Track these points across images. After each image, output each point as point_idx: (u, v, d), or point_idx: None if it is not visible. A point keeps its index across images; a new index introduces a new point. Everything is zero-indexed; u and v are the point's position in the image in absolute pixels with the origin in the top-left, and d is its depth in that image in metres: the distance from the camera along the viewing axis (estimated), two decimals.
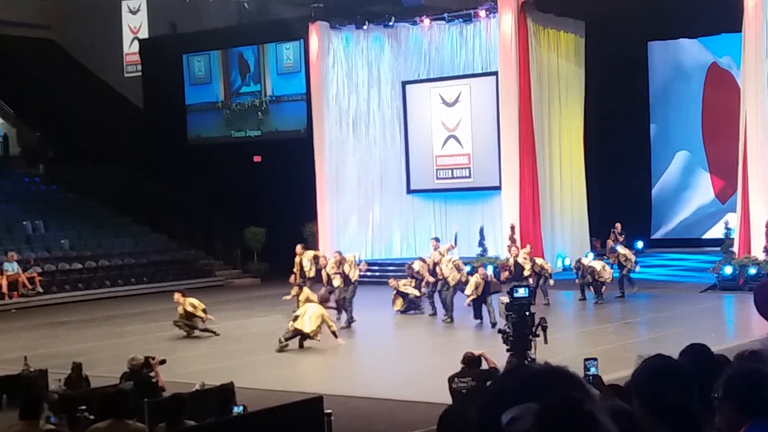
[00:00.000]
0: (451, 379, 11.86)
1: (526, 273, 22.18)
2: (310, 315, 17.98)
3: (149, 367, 12.73)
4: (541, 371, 1.78)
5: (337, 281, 21.26)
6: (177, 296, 20.47)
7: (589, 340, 17.90)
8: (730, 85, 28.70)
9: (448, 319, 20.90)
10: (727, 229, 26.03)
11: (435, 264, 21.99)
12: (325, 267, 22.12)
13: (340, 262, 21.57)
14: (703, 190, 30.38)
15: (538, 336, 12.20)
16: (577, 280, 22.98)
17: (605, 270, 22.42)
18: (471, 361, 11.99)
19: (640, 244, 30.15)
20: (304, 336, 18.01)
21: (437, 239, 24.22)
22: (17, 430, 7.23)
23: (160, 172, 35.95)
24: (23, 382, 12.79)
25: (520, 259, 22.63)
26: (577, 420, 1.61)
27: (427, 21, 30.65)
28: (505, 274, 23.71)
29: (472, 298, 20.18)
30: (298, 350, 18.86)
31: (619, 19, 28.33)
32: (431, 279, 21.89)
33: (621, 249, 23.56)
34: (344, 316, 20.99)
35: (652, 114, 31.45)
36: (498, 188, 29.10)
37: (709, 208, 29.98)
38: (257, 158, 34.54)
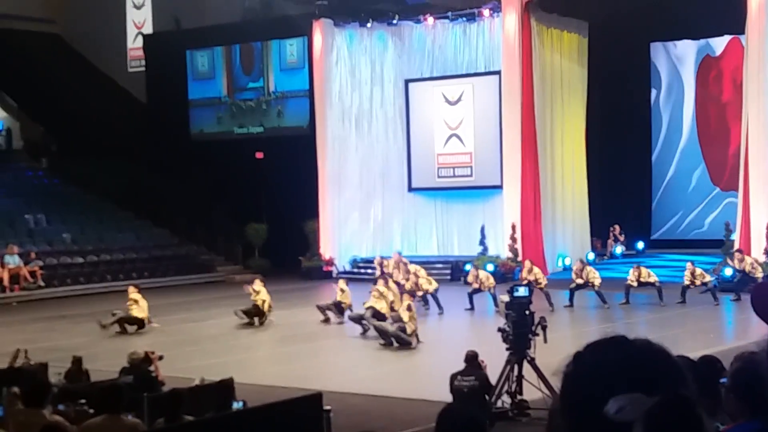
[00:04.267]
0: (453, 377, 11.90)
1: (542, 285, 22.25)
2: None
3: (149, 362, 12.76)
4: (644, 353, 1.75)
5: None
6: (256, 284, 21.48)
7: (589, 339, 17.85)
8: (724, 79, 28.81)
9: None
10: (728, 230, 26.03)
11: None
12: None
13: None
14: (704, 191, 30.38)
15: (537, 335, 12.23)
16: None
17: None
18: (473, 360, 12.05)
19: (640, 245, 30.20)
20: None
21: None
22: (21, 420, 7.00)
23: (163, 167, 35.97)
24: (24, 375, 12.81)
25: (539, 276, 22.59)
26: (686, 422, 1.62)
27: (430, 20, 30.66)
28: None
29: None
30: (297, 347, 18.92)
31: (622, 20, 28.33)
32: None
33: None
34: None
35: (653, 115, 31.44)
36: (499, 187, 29.12)
37: (710, 209, 29.99)
38: (259, 154, 34.55)
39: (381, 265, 25.11)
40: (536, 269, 22.87)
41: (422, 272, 23.07)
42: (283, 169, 32.82)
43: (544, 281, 22.52)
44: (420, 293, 22.25)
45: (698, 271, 22.64)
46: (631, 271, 22.95)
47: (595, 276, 22.52)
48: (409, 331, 17.76)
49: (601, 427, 1.65)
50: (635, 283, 22.58)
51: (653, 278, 22.75)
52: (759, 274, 23.07)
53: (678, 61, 31.12)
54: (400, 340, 17.71)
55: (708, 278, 22.65)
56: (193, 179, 35.32)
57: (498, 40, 29.19)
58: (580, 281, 22.50)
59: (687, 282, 22.52)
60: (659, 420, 1.61)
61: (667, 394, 1.64)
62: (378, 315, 19.11)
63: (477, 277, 22.61)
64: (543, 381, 11.76)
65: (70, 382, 12.56)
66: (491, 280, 22.59)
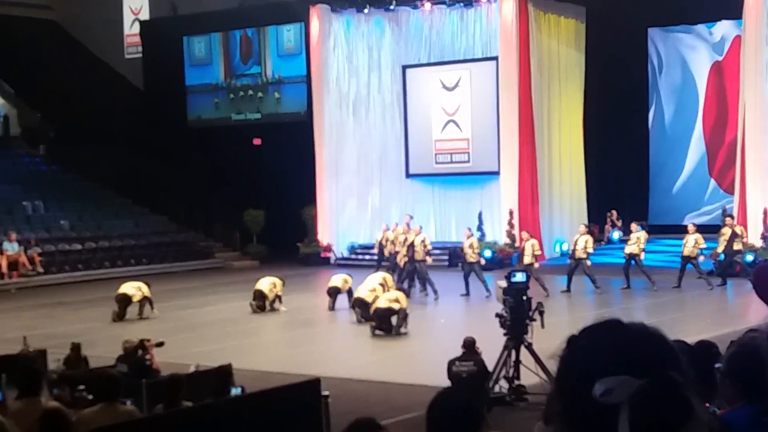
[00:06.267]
0: (451, 363, 11.95)
1: (528, 261, 22.22)
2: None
3: (144, 349, 12.76)
4: (638, 336, 1.75)
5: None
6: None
7: (586, 324, 17.87)
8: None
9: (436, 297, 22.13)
10: (725, 216, 26.02)
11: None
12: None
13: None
14: (701, 176, 30.39)
15: (534, 320, 12.27)
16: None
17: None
18: (471, 346, 12.10)
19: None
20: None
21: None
22: (16, 409, 6.92)
23: (161, 153, 35.96)
24: (22, 361, 12.84)
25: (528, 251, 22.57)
26: (673, 404, 1.63)
27: (428, 5, 30.60)
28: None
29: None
30: (295, 332, 18.96)
31: (619, 5, 28.28)
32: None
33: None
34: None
35: (651, 100, 31.42)
36: (497, 173, 29.14)
37: (708, 194, 30.01)
38: (257, 141, 34.55)
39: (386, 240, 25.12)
40: (529, 244, 22.59)
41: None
42: (280, 155, 32.81)
43: (530, 259, 22.28)
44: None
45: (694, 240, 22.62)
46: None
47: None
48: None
49: (593, 411, 1.64)
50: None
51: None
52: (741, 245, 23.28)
53: (679, 47, 31.02)
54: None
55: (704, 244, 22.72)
56: (190, 166, 35.32)
57: (495, 26, 29.15)
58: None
59: (687, 253, 22.47)
60: (645, 402, 1.61)
61: (653, 376, 1.64)
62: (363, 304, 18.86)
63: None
64: (540, 366, 11.80)
65: (69, 369, 12.60)
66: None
